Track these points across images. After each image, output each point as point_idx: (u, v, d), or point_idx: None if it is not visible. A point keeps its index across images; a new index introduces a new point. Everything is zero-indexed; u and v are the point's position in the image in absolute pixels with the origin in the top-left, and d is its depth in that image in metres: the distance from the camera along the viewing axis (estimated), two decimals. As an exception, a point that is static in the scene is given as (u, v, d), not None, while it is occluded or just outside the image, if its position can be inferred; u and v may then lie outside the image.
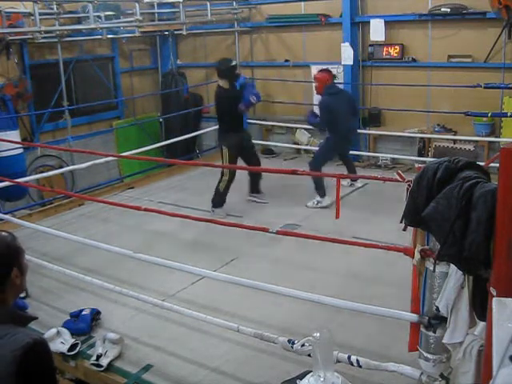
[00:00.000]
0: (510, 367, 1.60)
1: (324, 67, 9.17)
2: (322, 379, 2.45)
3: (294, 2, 9.24)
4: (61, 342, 3.85)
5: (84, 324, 4.06)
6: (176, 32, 10.15)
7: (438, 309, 2.62)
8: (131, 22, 8.76)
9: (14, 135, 7.68)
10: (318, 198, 6.50)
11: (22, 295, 4.55)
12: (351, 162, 7.34)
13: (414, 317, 2.89)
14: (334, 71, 9.05)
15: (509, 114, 7.15)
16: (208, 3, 9.31)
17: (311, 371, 2.54)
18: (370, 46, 8.67)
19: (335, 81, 7.05)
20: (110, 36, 9.38)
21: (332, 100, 6.60)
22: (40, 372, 1.74)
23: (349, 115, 6.79)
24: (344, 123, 6.63)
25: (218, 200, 6.53)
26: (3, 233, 1.97)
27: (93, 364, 3.66)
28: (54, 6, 8.45)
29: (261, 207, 6.77)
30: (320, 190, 6.50)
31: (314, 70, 9.35)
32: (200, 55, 10.95)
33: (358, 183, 7.24)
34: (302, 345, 3.03)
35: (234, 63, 6.75)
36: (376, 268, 4.91)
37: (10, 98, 8.06)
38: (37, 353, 1.72)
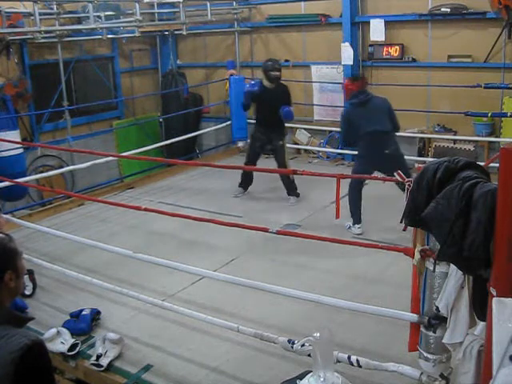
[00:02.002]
0: (510, 367, 1.60)
1: (325, 67, 9.25)
2: (321, 379, 2.45)
3: (294, 1, 9.24)
4: (61, 342, 3.84)
5: (84, 324, 4.06)
6: (176, 32, 10.16)
7: (437, 309, 2.62)
8: (131, 21, 8.76)
9: (14, 135, 7.68)
10: (350, 224, 5.91)
11: (28, 293, 4.56)
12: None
13: (414, 317, 2.89)
14: (334, 71, 9.12)
15: (509, 114, 7.15)
16: (208, 3, 9.31)
17: (311, 371, 2.54)
18: (370, 46, 8.68)
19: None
20: (110, 36, 9.39)
21: (351, 109, 5.88)
22: (38, 373, 1.74)
23: (380, 127, 5.74)
24: (369, 136, 5.73)
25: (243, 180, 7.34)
26: (0, 234, 1.96)
27: (93, 364, 3.66)
28: (54, 6, 8.46)
29: (261, 207, 6.76)
30: (354, 215, 5.89)
31: (314, 69, 9.39)
32: (200, 55, 10.95)
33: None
34: (302, 345, 3.02)
35: (268, 63, 6.93)
36: (376, 268, 4.91)
37: (10, 98, 8.06)
38: (35, 354, 1.72)
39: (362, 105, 5.83)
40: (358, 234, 5.76)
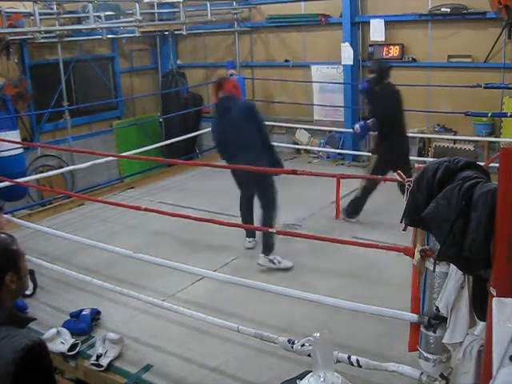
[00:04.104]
0: (510, 367, 1.60)
1: (326, 67, 9.25)
2: (321, 379, 2.45)
3: (294, 1, 9.24)
4: (61, 342, 3.84)
5: (84, 324, 4.06)
6: (176, 32, 10.16)
7: (437, 309, 2.62)
8: (131, 22, 8.76)
9: (14, 135, 7.68)
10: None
11: (29, 293, 4.56)
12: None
13: (414, 317, 2.89)
14: (334, 71, 9.11)
15: (509, 114, 7.15)
16: (208, 3, 9.32)
17: (311, 371, 2.54)
18: (370, 46, 8.68)
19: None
20: (110, 36, 9.39)
21: (216, 120, 5.41)
22: (39, 373, 1.74)
23: (238, 143, 5.09)
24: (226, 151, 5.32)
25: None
26: (2, 235, 1.95)
27: (93, 364, 3.66)
28: (54, 6, 8.46)
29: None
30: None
31: (314, 69, 9.39)
32: (200, 55, 10.95)
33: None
34: (302, 345, 3.02)
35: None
36: (376, 268, 4.91)
37: (10, 98, 8.07)
38: (36, 354, 1.72)
39: (223, 114, 5.16)
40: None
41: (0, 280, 1.84)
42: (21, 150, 7.88)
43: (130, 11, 9.06)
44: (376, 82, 5.97)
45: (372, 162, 5.96)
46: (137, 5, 8.38)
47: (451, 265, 2.46)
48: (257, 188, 5.23)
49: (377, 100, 5.98)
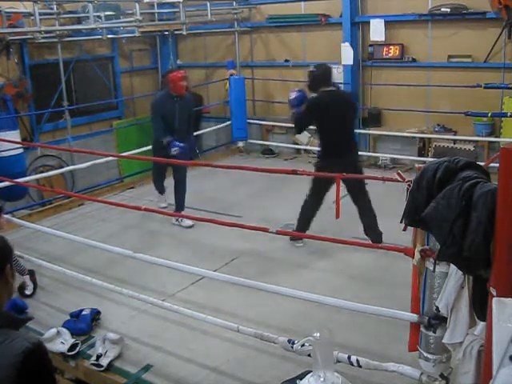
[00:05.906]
0: (510, 367, 1.61)
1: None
2: (321, 379, 2.45)
3: (294, 1, 9.25)
4: (61, 342, 3.84)
5: (84, 324, 4.07)
6: (176, 32, 10.16)
7: (438, 309, 2.62)
8: (131, 22, 8.75)
9: (14, 135, 7.67)
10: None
11: (29, 293, 4.57)
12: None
13: (414, 317, 2.89)
14: (334, 71, 9.09)
15: (509, 114, 7.15)
16: (208, 3, 9.31)
17: (311, 371, 2.54)
18: (370, 46, 8.68)
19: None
20: (110, 36, 9.39)
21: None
22: (40, 375, 1.73)
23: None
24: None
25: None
26: None
27: (93, 364, 3.66)
28: (54, 6, 8.46)
29: (261, 207, 6.75)
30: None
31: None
32: (200, 55, 10.96)
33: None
34: (302, 345, 3.03)
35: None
36: (376, 268, 4.91)
37: (10, 98, 8.07)
38: (36, 357, 1.71)
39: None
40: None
41: (1, 270, 1.84)
42: (21, 150, 7.88)
43: (130, 11, 9.05)
44: (311, 89, 5.48)
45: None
46: (137, 5, 8.37)
47: (451, 265, 2.47)
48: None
49: (310, 110, 5.45)
